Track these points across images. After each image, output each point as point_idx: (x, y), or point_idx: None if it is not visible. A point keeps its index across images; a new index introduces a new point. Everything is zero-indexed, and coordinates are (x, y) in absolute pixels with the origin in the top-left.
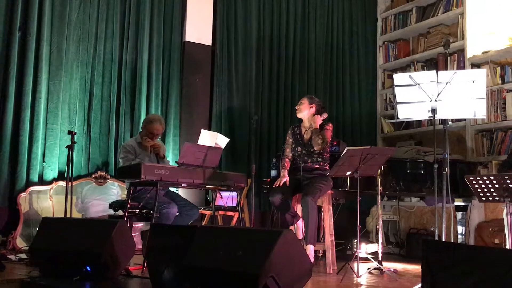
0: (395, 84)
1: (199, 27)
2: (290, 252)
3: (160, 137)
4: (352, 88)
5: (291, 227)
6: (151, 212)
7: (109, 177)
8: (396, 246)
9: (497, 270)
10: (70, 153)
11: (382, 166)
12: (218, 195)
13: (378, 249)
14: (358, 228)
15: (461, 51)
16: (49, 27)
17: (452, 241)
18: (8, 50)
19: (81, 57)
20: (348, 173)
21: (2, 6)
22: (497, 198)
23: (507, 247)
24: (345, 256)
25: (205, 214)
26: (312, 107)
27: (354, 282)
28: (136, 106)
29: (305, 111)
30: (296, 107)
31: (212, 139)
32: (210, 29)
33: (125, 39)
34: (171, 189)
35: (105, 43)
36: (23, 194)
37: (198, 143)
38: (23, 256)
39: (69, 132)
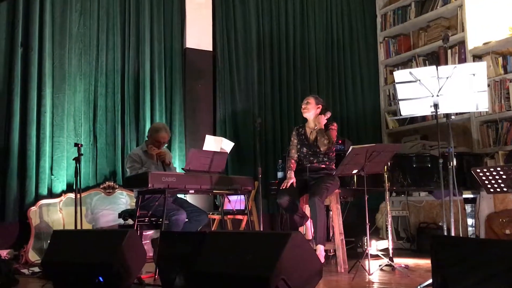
0: (396, 81)
1: (199, 33)
2: (299, 253)
3: (166, 144)
4: (354, 85)
5: (300, 228)
6: (161, 219)
7: (117, 186)
8: (407, 241)
9: (507, 263)
10: (78, 165)
11: (389, 162)
12: (226, 199)
13: (388, 245)
14: (367, 226)
15: (462, 43)
16: (51, 41)
17: (462, 234)
18: (11, 66)
19: (84, 69)
20: (354, 171)
21: (3, 22)
22: (505, 189)
23: None
24: (356, 254)
25: (214, 219)
26: (318, 107)
27: (366, 280)
28: (141, 115)
29: (312, 111)
30: (302, 106)
31: (217, 144)
32: (210, 35)
33: (127, 49)
34: (179, 195)
35: (106, 54)
36: (33, 208)
37: (203, 148)
38: (36, 269)
39: (76, 144)
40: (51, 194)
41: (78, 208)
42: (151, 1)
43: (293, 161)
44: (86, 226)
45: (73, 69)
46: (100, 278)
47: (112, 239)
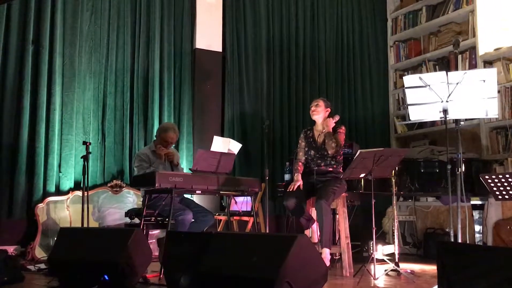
0: (406, 86)
1: (209, 34)
2: (305, 256)
3: (174, 145)
4: (364, 89)
5: (306, 231)
6: (167, 219)
7: (124, 185)
8: (413, 246)
9: None
10: (86, 163)
11: (396, 167)
12: (232, 200)
13: (394, 250)
14: (374, 230)
15: (473, 49)
16: (61, 39)
17: (469, 240)
18: (22, 64)
19: (94, 68)
20: (362, 175)
21: (15, 20)
22: None
23: None
24: (362, 258)
25: (220, 220)
26: (327, 110)
27: (371, 285)
28: (149, 114)
29: (322, 113)
30: (312, 108)
31: (225, 145)
32: (220, 36)
33: (137, 49)
34: (186, 195)
35: (116, 53)
36: (40, 205)
37: (211, 149)
38: (42, 266)
39: (84, 143)
40: (58, 192)
41: (85, 206)
42: (162, 1)
43: (300, 163)
44: (93, 224)
45: (83, 67)
46: (106, 276)
47: (118, 238)
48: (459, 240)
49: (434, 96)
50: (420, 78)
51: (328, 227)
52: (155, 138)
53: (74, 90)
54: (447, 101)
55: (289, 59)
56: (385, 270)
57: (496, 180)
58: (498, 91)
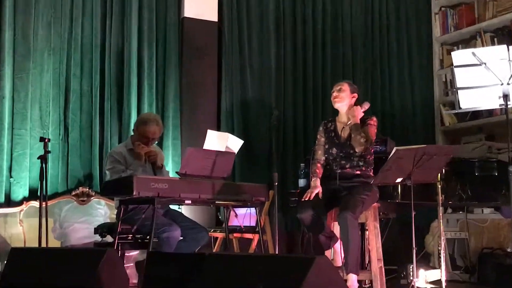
0: (454, 64)
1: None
2: (325, 284)
3: (156, 141)
4: (400, 70)
5: (326, 252)
6: (148, 237)
7: (93, 194)
8: (465, 271)
9: None
10: (44, 165)
11: (443, 169)
12: (232, 212)
13: (441, 276)
14: (414, 251)
15: None
16: (12, 6)
17: None
18: None
19: (54, 43)
20: (399, 180)
21: None
22: None
23: None
24: (399, 286)
25: (217, 237)
26: (354, 96)
27: None
28: (125, 102)
29: (346, 100)
30: (333, 94)
31: (222, 141)
32: (215, 1)
33: (108, 19)
34: (172, 207)
35: (82, 25)
36: None
37: (204, 147)
38: None
39: (42, 139)
40: (9, 202)
41: (44, 220)
42: None
43: (319, 165)
44: (54, 243)
45: (39, 42)
46: None
47: (86, 261)
48: None
49: (491, 78)
50: (474, 54)
51: (355, 246)
52: (132, 133)
53: (28, 72)
54: (508, 84)
55: (305, 33)
56: None
57: None
58: None
